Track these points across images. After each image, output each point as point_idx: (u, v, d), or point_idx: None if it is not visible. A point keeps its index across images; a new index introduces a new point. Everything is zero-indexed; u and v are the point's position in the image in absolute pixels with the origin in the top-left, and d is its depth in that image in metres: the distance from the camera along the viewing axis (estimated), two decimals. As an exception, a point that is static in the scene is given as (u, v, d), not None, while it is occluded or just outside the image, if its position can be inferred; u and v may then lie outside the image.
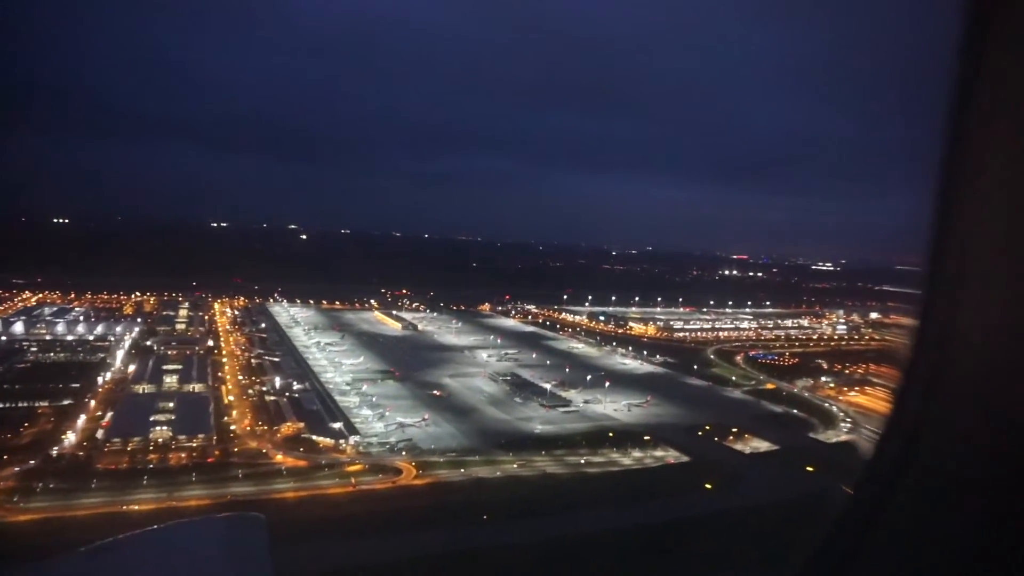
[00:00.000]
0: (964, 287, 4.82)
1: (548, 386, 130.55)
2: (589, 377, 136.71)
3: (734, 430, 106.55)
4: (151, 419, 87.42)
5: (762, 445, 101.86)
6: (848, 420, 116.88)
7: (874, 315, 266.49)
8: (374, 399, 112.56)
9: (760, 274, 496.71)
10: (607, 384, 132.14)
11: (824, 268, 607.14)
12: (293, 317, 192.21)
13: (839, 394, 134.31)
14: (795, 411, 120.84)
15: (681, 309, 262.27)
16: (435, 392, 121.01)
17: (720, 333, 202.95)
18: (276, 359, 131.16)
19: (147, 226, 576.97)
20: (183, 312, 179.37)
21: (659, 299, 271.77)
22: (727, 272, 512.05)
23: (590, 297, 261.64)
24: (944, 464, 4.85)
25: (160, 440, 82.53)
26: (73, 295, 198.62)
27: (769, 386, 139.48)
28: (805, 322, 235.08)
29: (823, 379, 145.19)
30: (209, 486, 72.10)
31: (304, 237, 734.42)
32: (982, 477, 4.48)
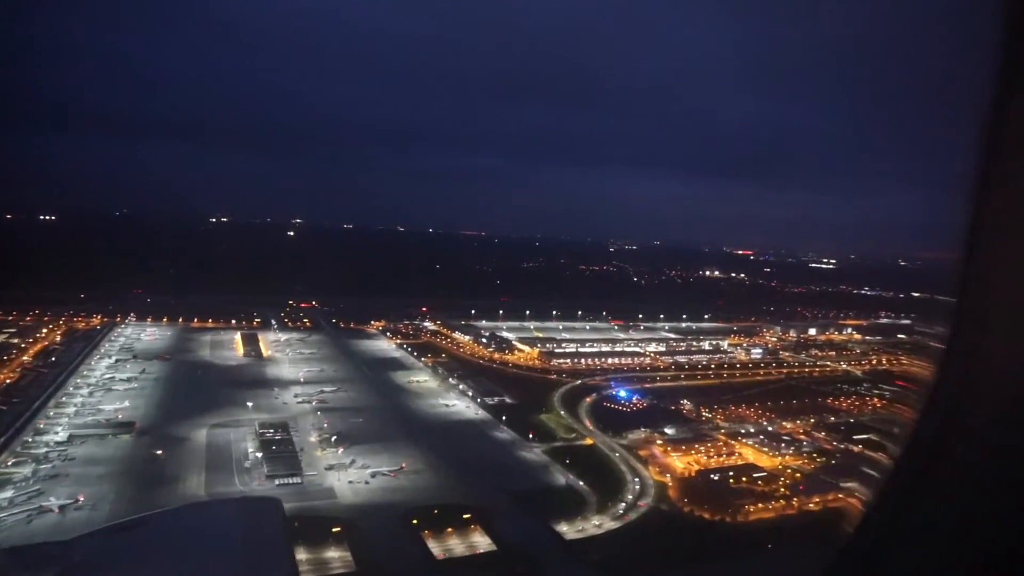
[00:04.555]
0: (992, 298, 4.74)
1: (314, 439, 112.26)
2: (376, 429, 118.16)
3: (466, 516, 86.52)
4: None
5: (481, 542, 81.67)
6: (634, 495, 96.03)
7: (812, 331, 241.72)
8: (59, 466, 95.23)
9: (742, 275, 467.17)
10: (386, 440, 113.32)
11: (822, 266, 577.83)
12: (128, 343, 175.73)
13: (664, 454, 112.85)
14: (582, 482, 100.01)
15: (588, 325, 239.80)
16: (158, 452, 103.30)
17: (608, 360, 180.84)
18: (6, 407, 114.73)
19: (113, 225, 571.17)
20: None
21: (580, 312, 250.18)
22: (706, 273, 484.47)
23: (501, 312, 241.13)
24: (966, 476, 4.86)
25: None
26: None
27: (587, 442, 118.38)
28: (725, 343, 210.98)
29: (665, 430, 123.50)
30: None
31: (291, 233, 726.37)
32: (1003, 484, 4.58)
